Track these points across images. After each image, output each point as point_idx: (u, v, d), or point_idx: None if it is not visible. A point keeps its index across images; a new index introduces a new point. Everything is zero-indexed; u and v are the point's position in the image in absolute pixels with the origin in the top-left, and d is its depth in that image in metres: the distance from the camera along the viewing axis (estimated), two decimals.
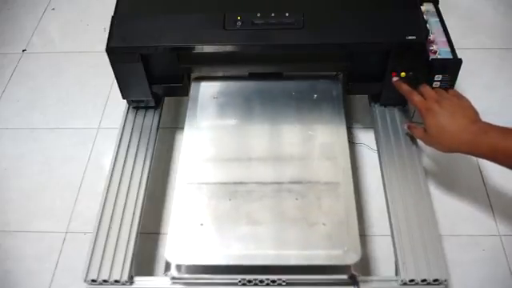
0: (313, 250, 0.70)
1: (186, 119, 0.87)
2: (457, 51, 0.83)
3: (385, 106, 0.92)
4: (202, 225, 0.73)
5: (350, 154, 0.80)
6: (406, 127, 0.86)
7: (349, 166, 0.79)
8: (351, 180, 0.77)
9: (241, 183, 0.77)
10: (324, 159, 0.80)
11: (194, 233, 0.73)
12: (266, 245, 0.71)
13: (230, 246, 0.71)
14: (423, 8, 0.89)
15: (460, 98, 0.79)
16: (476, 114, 0.76)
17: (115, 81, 0.87)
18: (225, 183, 0.78)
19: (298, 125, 0.85)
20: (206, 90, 0.91)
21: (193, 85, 0.92)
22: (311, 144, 0.82)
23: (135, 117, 0.93)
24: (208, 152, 0.82)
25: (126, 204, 0.80)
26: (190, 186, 0.78)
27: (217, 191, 0.77)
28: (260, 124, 0.85)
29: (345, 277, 0.69)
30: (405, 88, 0.82)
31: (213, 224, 0.73)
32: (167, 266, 0.71)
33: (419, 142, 0.84)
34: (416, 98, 0.80)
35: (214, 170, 0.80)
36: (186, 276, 0.71)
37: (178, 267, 0.71)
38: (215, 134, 0.85)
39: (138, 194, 0.82)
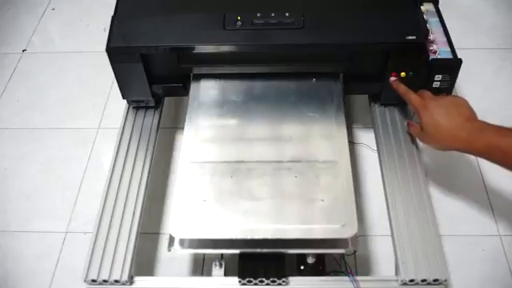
0: (311, 224, 0.71)
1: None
2: (457, 51, 0.83)
3: (385, 106, 0.92)
4: (204, 201, 0.75)
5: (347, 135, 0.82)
6: (405, 124, 0.87)
7: (346, 145, 0.80)
8: (348, 159, 0.78)
9: (242, 162, 0.79)
10: (322, 140, 0.82)
11: (197, 208, 0.74)
12: (266, 219, 0.72)
13: (231, 220, 0.72)
14: (423, 8, 0.89)
15: (456, 96, 0.79)
16: (472, 112, 0.76)
17: (115, 81, 0.87)
18: (226, 162, 0.79)
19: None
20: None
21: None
22: (310, 128, 0.83)
23: (135, 117, 0.93)
24: (210, 133, 0.84)
25: (125, 204, 0.80)
26: (193, 164, 0.79)
27: (219, 169, 0.78)
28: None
29: (343, 251, 0.71)
30: (402, 88, 0.83)
31: (215, 200, 0.75)
32: (171, 241, 0.72)
33: (419, 141, 0.84)
34: (412, 96, 0.80)
35: (215, 149, 0.81)
36: (190, 250, 0.73)
37: (181, 241, 0.72)
38: (218, 115, 0.86)
39: (137, 194, 0.82)
